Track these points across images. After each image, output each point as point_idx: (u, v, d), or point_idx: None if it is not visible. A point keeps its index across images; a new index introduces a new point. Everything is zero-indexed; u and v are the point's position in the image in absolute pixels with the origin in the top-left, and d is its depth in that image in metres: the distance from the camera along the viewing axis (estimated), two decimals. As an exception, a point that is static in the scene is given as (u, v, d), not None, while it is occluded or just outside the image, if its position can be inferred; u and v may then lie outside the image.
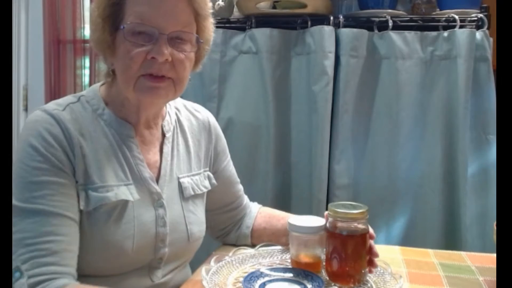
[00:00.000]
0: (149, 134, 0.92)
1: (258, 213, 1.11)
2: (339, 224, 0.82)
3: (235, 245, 1.08)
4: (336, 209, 0.82)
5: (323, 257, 0.88)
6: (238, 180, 1.12)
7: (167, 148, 0.94)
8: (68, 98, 0.87)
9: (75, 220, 0.78)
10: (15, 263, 0.72)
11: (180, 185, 0.94)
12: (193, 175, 0.98)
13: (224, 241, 1.11)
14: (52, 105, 0.84)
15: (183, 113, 1.02)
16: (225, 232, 1.11)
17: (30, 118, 0.82)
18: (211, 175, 1.03)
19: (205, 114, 1.06)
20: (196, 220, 0.96)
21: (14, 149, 0.78)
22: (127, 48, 0.80)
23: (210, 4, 0.88)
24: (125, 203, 0.83)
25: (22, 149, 0.78)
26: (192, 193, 0.95)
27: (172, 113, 0.98)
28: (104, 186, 0.81)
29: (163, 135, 0.95)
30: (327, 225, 0.85)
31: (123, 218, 0.83)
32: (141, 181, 0.87)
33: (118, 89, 0.87)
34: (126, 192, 0.84)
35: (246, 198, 1.14)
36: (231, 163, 1.10)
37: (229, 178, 1.09)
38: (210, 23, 0.90)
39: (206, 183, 1.00)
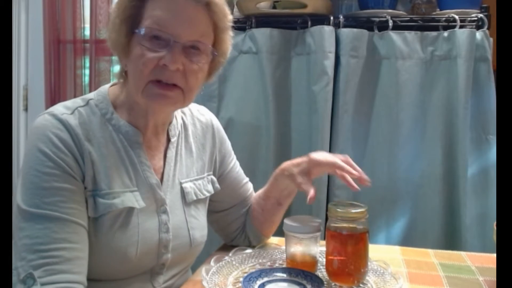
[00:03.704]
0: (156, 140, 0.91)
1: (252, 202, 1.08)
2: (339, 224, 0.82)
3: (250, 245, 1.05)
4: (336, 209, 0.82)
5: (319, 257, 0.88)
6: (247, 179, 1.10)
7: (171, 153, 0.93)
8: (77, 101, 0.85)
9: (85, 227, 0.78)
10: (25, 269, 0.71)
11: (182, 190, 0.93)
12: (195, 179, 0.97)
13: (239, 243, 1.07)
14: (60, 108, 0.82)
15: (188, 116, 1.01)
16: (237, 233, 1.08)
17: (37, 122, 0.80)
18: (214, 179, 1.02)
19: (208, 116, 1.05)
20: (198, 225, 0.95)
21: (14, 149, 0.78)
22: (141, 52, 0.79)
23: (230, 17, 0.86)
24: (130, 210, 0.83)
25: (31, 154, 0.77)
26: (195, 198, 0.94)
27: (178, 117, 0.98)
28: (111, 193, 0.81)
29: (168, 139, 0.94)
30: (327, 224, 0.85)
31: (128, 225, 0.82)
32: (147, 187, 0.86)
33: (129, 92, 0.86)
34: (132, 199, 0.83)
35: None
36: (237, 163, 1.09)
37: (237, 179, 1.08)
38: (228, 35, 0.88)
39: (210, 187, 1.00)
